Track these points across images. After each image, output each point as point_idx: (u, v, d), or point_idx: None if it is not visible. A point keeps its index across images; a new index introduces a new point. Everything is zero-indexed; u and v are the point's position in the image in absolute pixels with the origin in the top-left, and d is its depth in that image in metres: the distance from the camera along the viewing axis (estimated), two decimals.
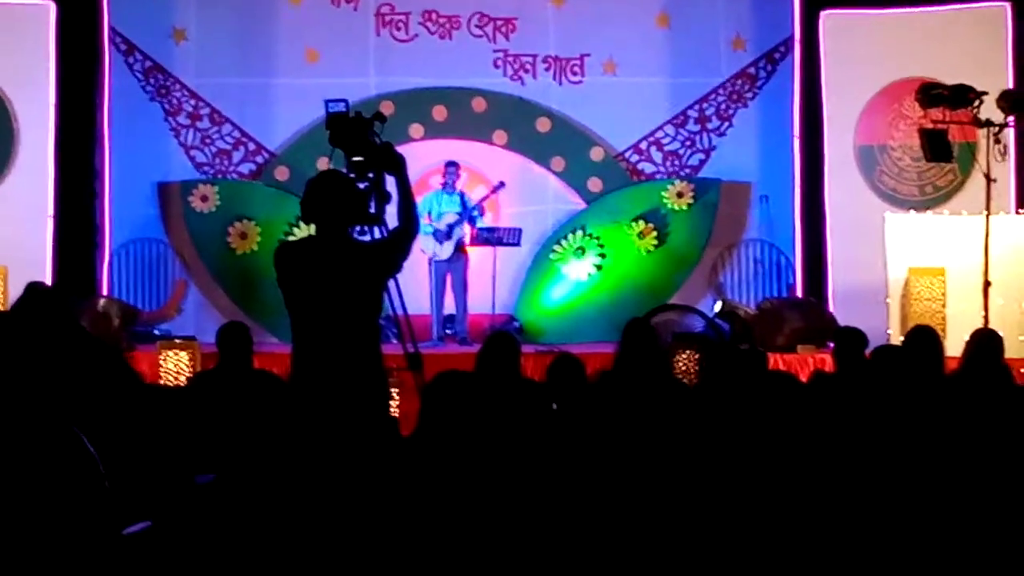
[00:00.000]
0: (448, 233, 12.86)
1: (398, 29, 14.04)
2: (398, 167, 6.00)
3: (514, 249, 13.39)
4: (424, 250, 12.64)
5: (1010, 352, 7.43)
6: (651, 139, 14.11)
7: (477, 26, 14.10)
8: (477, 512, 4.62)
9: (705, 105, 14.12)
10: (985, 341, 7.08)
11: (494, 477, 4.78)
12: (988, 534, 4.71)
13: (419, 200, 11.41)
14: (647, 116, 14.10)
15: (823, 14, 13.19)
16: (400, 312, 6.22)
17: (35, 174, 12.42)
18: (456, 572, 4.46)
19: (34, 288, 7.30)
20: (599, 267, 13.90)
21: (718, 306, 12.86)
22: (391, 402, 6.20)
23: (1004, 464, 5.04)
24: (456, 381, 5.10)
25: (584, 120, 14.05)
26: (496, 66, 14.12)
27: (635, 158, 14.14)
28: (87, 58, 13.03)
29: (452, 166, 13.15)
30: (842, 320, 10.94)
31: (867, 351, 7.39)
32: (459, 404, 5.00)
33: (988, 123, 10.76)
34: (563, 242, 13.92)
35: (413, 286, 11.88)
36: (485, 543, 4.53)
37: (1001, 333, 7.45)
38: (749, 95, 14.11)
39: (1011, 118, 10.88)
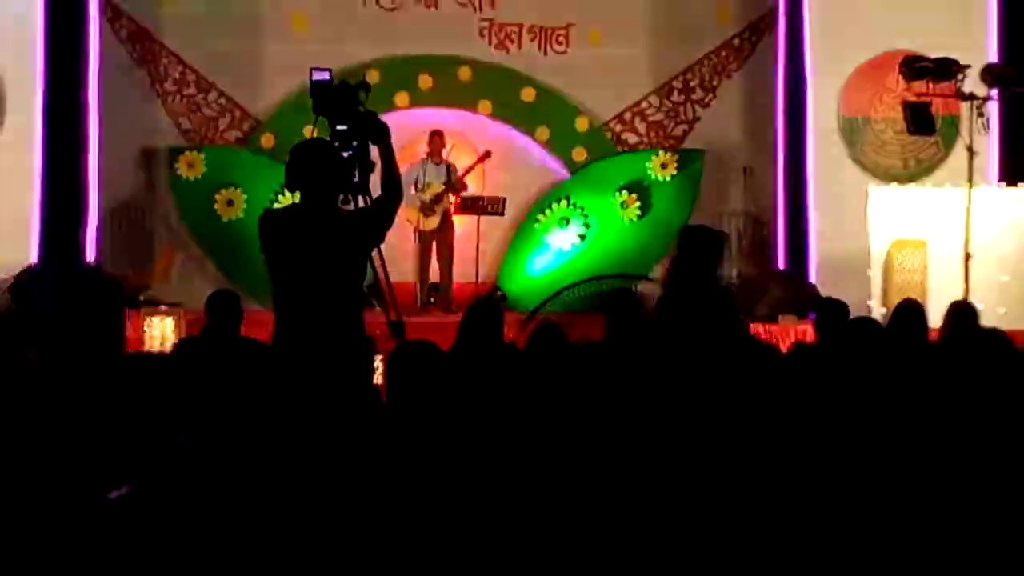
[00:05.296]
0: (433, 204, 12.90)
1: None
2: (382, 136, 6.01)
3: (498, 218, 13.42)
4: (410, 220, 12.69)
5: (990, 324, 7.45)
6: (635, 109, 14.14)
7: None
8: (459, 481, 4.65)
9: (689, 76, 14.14)
10: (960, 313, 7.14)
11: (473, 446, 4.82)
12: (972, 505, 4.75)
13: (405, 170, 11.44)
14: (631, 86, 14.13)
15: None
16: (384, 280, 6.25)
17: (22, 140, 12.38)
18: (437, 542, 4.50)
19: None
20: (583, 237, 13.93)
21: None
22: (374, 371, 6.22)
23: (984, 435, 5.09)
24: (418, 352, 5.12)
25: (569, 90, 14.08)
26: (481, 35, 14.12)
27: (619, 128, 14.17)
28: (74, 23, 12.95)
29: (437, 136, 13.18)
30: (824, 291, 10.98)
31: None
32: (422, 375, 5.02)
33: (971, 96, 10.78)
34: (547, 212, 13.94)
35: (398, 255, 11.93)
36: (467, 512, 4.56)
37: (982, 305, 7.51)
38: (733, 66, 14.13)
39: (994, 91, 10.90)
